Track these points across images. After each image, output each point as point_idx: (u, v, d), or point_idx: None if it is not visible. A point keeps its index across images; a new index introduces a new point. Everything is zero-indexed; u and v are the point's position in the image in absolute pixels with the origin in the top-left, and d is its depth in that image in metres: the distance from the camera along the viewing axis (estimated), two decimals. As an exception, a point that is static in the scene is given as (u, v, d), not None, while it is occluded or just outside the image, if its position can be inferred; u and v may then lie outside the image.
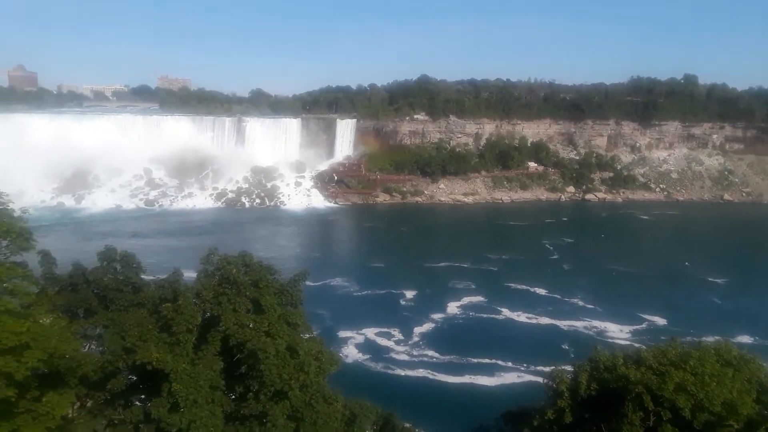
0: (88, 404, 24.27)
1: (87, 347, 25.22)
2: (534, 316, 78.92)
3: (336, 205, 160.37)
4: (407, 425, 33.81)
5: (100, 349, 24.73)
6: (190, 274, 27.51)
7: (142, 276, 27.83)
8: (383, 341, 69.59)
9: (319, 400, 23.60)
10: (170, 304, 23.34)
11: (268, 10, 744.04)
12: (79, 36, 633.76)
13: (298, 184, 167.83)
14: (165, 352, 21.72)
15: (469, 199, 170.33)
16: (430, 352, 66.85)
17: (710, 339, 25.69)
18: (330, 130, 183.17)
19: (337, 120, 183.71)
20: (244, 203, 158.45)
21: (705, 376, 21.64)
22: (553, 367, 26.62)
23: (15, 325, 18.42)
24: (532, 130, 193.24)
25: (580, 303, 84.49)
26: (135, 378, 23.87)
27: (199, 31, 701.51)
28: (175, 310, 22.78)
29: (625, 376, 22.62)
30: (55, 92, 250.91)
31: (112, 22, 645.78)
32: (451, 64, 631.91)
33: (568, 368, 26.30)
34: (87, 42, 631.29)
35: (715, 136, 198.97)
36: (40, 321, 21.19)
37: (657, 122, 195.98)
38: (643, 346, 26.73)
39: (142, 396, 24.28)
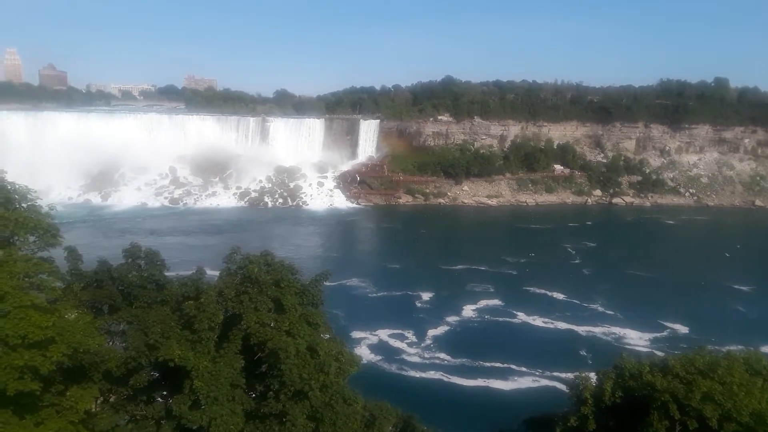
0: (111, 399, 24.50)
1: (111, 343, 25.49)
2: (552, 320, 77.97)
3: (358, 206, 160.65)
4: (427, 429, 33.53)
5: (124, 345, 24.98)
6: (212, 272, 27.66)
7: (166, 273, 28.04)
8: (397, 343, 69.48)
9: (339, 401, 23.51)
10: (193, 302, 23.46)
11: (294, 12, 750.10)
12: (108, 36, 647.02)
13: (320, 184, 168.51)
14: (187, 350, 21.83)
15: (493, 202, 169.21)
16: (445, 355, 66.50)
17: (733, 348, 25.02)
18: (353, 131, 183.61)
19: (361, 120, 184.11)
20: (266, 203, 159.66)
21: (733, 385, 21.10)
22: (576, 373, 26.16)
23: (41, 319, 18.64)
24: (558, 132, 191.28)
25: (600, 309, 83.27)
26: (157, 374, 24.06)
27: (225, 32, 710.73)
28: (197, 307, 22.88)
29: (651, 384, 22.16)
30: (84, 91, 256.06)
31: (141, 23, 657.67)
32: (476, 66, 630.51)
33: (591, 374, 25.84)
34: (116, 42, 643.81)
35: (746, 141, 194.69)
36: (66, 316, 21.42)
37: (687, 125, 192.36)
38: (670, 354, 26.12)
39: (164, 392, 24.46)
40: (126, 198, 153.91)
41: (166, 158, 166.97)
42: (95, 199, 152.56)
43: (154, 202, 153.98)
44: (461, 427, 48.48)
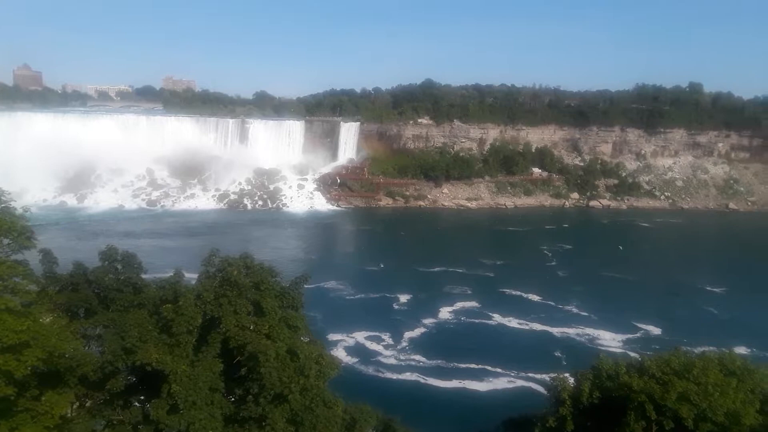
0: (87, 404, 24.16)
1: (87, 347, 25.12)
2: (527, 322, 78.61)
3: (338, 209, 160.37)
4: (408, 430, 33.57)
5: (100, 349, 24.64)
6: (191, 275, 27.41)
7: (143, 276, 27.72)
8: (374, 345, 69.48)
9: (319, 404, 23.45)
10: (171, 305, 23.23)
11: (274, 13, 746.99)
12: (84, 36, 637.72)
13: (300, 186, 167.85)
14: (165, 353, 21.62)
15: (473, 204, 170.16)
16: (421, 357, 66.63)
17: (705, 349, 25.49)
18: (333, 133, 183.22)
19: (341, 123, 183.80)
20: (246, 205, 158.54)
21: (708, 385, 21.44)
22: (554, 374, 26.42)
23: (15, 323, 18.35)
24: (536, 136, 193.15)
25: (575, 310, 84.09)
26: (134, 379, 23.78)
27: (204, 33, 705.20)
28: (175, 311, 22.66)
29: (627, 385, 22.44)
30: (59, 92, 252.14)
31: (118, 22, 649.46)
32: (456, 69, 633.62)
33: (566, 375, 26.09)
34: (92, 42, 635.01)
35: (720, 145, 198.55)
36: (41, 320, 21.09)
37: (662, 130, 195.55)
38: (645, 355, 26.49)
39: (142, 397, 24.18)
40: (102, 200, 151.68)
41: (143, 160, 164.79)
42: (71, 201, 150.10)
43: (131, 204, 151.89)
44: (440, 429, 48.58)
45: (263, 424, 22.30)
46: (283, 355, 22.77)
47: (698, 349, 26.05)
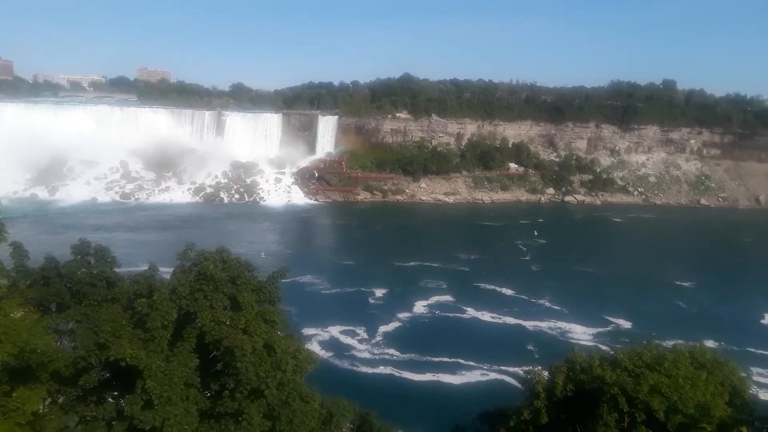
0: (60, 400, 23.79)
1: (59, 342, 24.69)
2: (500, 316, 79.57)
3: (316, 203, 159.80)
4: (384, 424, 33.70)
5: (73, 344, 24.24)
6: (166, 270, 27.07)
7: (117, 270, 27.30)
8: (348, 339, 69.74)
9: (296, 399, 23.40)
10: (145, 300, 22.93)
11: (251, 4, 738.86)
12: (56, 25, 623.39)
13: (278, 180, 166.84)
14: (139, 349, 21.35)
15: (450, 199, 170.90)
16: (396, 351, 67.03)
17: (673, 342, 25.99)
18: (311, 127, 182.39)
19: (319, 116, 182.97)
20: (222, 198, 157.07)
21: (679, 378, 21.83)
22: (529, 368, 26.71)
23: (-16, 318, 17.96)
24: (513, 132, 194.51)
25: (547, 304, 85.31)
26: (108, 374, 23.44)
27: (179, 23, 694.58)
28: (150, 305, 22.38)
29: (600, 378, 22.74)
30: (30, 81, 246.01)
31: (91, 11, 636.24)
32: (434, 64, 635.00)
33: (539, 368, 26.40)
34: (65, 31, 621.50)
35: (692, 141, 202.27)
36: (11, 314, 20.68)
37: (636, 126, 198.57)
38: (616, 348, 26.94)
39: (115, 392, 23.86)
40: (75, 192, 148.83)
41: (117, 152, 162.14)
42: (42, 193, 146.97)
43: (105, 197, 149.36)
44: (415, 422, 48.83)
45: (239, 419, 22.20)
46: (260, 350, 22.63)
47: (667, 343, 26.53)
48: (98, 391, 23.16)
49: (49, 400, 23.42)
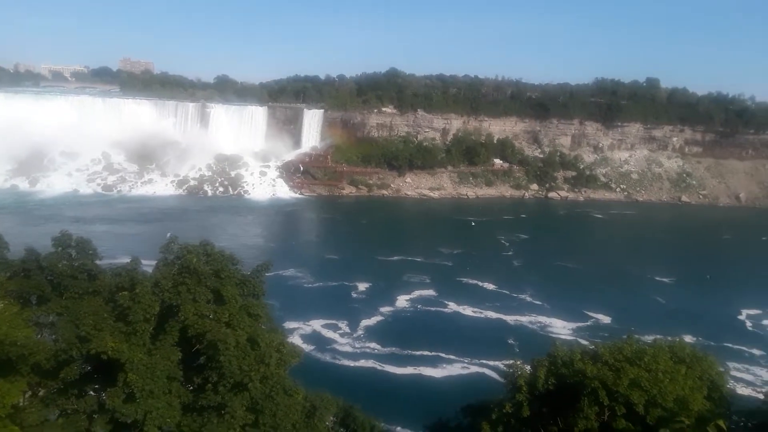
0: (40, 393, 23.59)
1: (40, 335, 24.43)
2: (481, 310, 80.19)
3: (301, 196, 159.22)
4: (367, 418, 33.85)
5: (53, 337, 24.01)
6: (148, 263, 26.88)
7: (98, 263, 27.04)
8: (330, 333, 69.94)
9: (280, 392, 23.42)
10: (127, 293, 22.78)
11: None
12: (38, 14, 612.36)
13: (263, 173, 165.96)
14: (121, 342, 21.23)
15: (435, 194, 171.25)
16: (378, 344, 67.37)
17: (653, 337, 26.40)
18: (297, 120, 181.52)
19: (305, 110, 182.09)
20: (206, 191, 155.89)
21: (659, 372, 22.14)
22: (511, 361, 26.95)
23: (-37, 310, 17.74)
24: (498, 127, 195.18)
25: (528, 299, 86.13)
26: (89, 367, 23.28)
27: (163, 14, 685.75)
28: (132, 298, 22.24)
29: (581, 371, 23.00)
30: (11, 71, 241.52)
31: (74, 0, 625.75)
32: (421, 59, 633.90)
33: (520, 362, 26.65)
34: (46, 20, 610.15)
35: (675, 139, 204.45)
36: (-10, 307, 20.46)
37: (619, 123, 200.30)
38: (597, 342, 27.26)
39: (97, 386, 23.71)
40: (56, 184, 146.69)
41: (99, 143, 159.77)
42: (22, 184, 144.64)
43: (86, 189, 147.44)
44: (397, 415, 49.11)
45: (222, 412, 22.17)
46: (244, 344, 22.62)
47: (646, 337, 26.94)
48: (79, 384, 23.00)
49: (30, 393, 23.21)
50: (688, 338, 68.64)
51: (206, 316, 23.18)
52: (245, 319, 23.94)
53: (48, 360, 21.50)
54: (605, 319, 78.87)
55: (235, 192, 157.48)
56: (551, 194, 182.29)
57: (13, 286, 24.71)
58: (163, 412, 20.71)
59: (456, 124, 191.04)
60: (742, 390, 55.44)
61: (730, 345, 71.34)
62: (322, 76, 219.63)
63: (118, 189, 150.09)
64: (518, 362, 26.24)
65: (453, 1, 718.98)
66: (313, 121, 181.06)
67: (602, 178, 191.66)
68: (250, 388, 22.17)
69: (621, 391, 21.67)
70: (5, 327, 19.20)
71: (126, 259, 26.58)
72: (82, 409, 22.36)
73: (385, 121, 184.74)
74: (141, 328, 21.99)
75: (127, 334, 21.94)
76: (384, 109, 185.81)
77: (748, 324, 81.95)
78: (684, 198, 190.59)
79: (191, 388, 23.54)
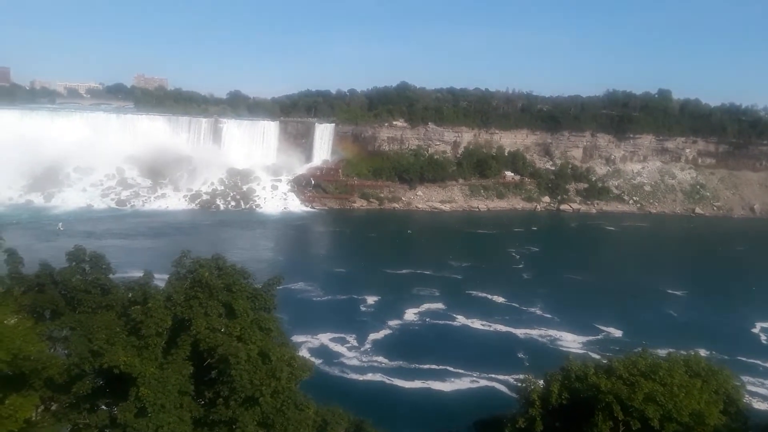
0: (53, 407, 23.62)
1: (53, 349, 24.55)
2: (490, 323, 79.51)
3: (313, 210, 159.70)
4: (379, 432, 33.60)
5: (66, 351, 24.12)
6: (161, 277, 27.01)
7: (112, 277, 27.21)
8: (338, 347, 69.58)
9: (291, 407, 23.31)
10: (140, 307, 22.87)
11: (249, 12, 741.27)
12: (54, 31, 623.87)
13: (274, 187, 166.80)
14: (133, 356, 21.26)
15: (446, 207, 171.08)
16: (386, 358, 66.92)
17: (664, 351, 26.10)
18: (308, 134, 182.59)
19: (316, 124, 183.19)
20: (218, 205, 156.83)
21: (674, 386, 21.90)
22: (522, 375, 26.72)
23: (-22, 325, 17.88)
24: (509, 140, 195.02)
25: (538, 312, 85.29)
26: (101, 382, 23.30)
27: (177, 31, 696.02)
28: (144, 312, 22.32)
29: (595, 386, 22.79)
30: (27, 88, 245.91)
31: (89, 18, 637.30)
32: (431, 72, 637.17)
33: (529, 376, 26.39)
34: (62, 38, 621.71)
35: (687, 151, 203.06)
36: (5, 321, 20.59)
37: (631, 135, 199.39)
38: (612, 356, 26.96)
39: (109, 400, 23.72)
40: (70, 199, 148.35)
41: (113, 159, 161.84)
42: (38, 200, 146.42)
43: (100, 204, 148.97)
44: (407, 430, 48.55)
45: (233, 427, 22.08)
46: (255, 358, 22.56)
47: (658, 351, 26.63)
48: (91, 399, 23.02)
49: (42, 407, 23.26)
50: (701, 352, 67.59)
51: (218, 330, 23.19)
52: (256, 333, 23.93)
53: (60, 374, 21.56)
54: (616, 333, 77.91)
55: (247, 206, 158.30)
56: (563, 206, 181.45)
57: (27, 300, 24.89)
58: (174, 426, 20.67)
59: (467, 136, 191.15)
60: (759, 404, 54.48)
61: (744, 359, 70.08)
62: (333, 91, 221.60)
63: (132, 204, 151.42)
64: (531, 376, 26.01)
65: (463, 14, 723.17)
66: (324, 135, 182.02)
67: (615, 190, 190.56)
68: (261, 403, 22.09)
69: (636, 406, 21.45)
70: (19, 341, 19.31)
71: (139, 274, 26.73)
72: (94, 423, 22.35)
73: (395, 135, 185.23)
74: (153, 342, 22.03)
75: (139, 348, 21.98)
76: (395, 122, 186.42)
77: (763, 338, 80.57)
78: (698, 210, 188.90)
79: (202, 402, 23.50)
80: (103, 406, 23.58)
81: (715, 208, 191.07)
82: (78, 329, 23.81)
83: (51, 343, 24.55)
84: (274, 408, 22.64)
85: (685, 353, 25.68)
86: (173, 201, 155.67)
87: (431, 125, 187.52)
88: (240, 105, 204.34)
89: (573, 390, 24.14)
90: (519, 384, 26.41)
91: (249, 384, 21.67)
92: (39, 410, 23.00)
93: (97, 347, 21.44)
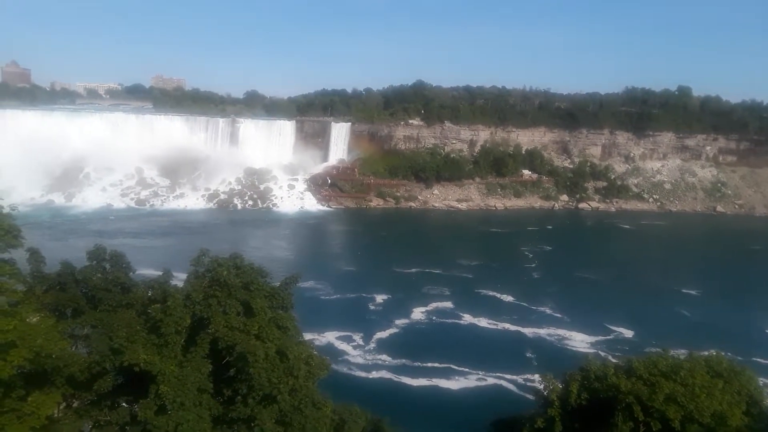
0: (74, 404, 23.97)
1: (74, 347, 24.91)
2: (499, 322, 78.80)
3: (329, 209, 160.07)
4: (396, 430, 33.58)
5: (87, 349, 24.44)
6: (180, 275, 27.25)
7: (132, 276, 27.53)
8: (346, 345, 69.42)
9: (308, 405, 23.42)
10: (159, 305, 23.10)
11: (265, 12, 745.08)
12: (73, 33, 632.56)
13: (291, 186, 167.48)
14: (153, 354, 21.49)
15: (463, 206, 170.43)
16: (393, 356, 66.61)
17: (681, 352, 25.70)
18: (324, 133, 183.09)
19: (332, 123, 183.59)
20: (236, 205, 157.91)
21: (695, 387, 21.61)
22: (542, 375, 26.50)
23: (2, 323, 18.16)
24: (526, 138, 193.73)
25: (548, 311, 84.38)
26: (122, 379, 23.58)
27: (194, 31, 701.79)
28: (164, 311, 22.54)
29: (615, 386, 22.57)
30: (48, 89, 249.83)
31: (108, 20, 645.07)
32: (447, 70, 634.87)
33: (542, 375, 26.13)
34: (82, 39, 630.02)
35: (708, 148, 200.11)
36: (27, 319, 20.88)
37: (651, 133, 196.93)
38: (633, 357, 26.64)
39: (129, 397, 24.01)
40: (90, 199, 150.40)
41: (132, 159, 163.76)
42: (59, 199, 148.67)
43: (120, 203, 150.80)
44: (421, 429, 48.15)
45: (252, 424, 22.25)
46: (273, 356, 22.69)
47: (675, 351, 26.23)
48: (112, 396, 23.32)
49: (64, 404, 23.60)
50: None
51: (236, 329, 23.35)
52: (274, 331, 24.06)
53: (82, 372, 21.87)
54: (627, 333, 76.63)
55: (264, 205, 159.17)
56: (582, 205, 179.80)
57: (49, 299, 25.28)
58: (193, 424, 20.85)
59: (483, 135, 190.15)
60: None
61: (761, 360, 68.57)
62: (350, 90, 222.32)
63: (151, 203, 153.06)
64: (550, 376, 25.81)
65: (479, 12, 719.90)
66: (340, 134, 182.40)
67: (634, 189, 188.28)
68: (279, 401, 22.22)
69: (656, 407, 21.20)
70: (41, 339, 19.59)
71: (158, 272, 27.01)
72: (114, 420, 22.65)
73: (412, 134, 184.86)
74: (173, 340, 22.25)
75: (159, 346, 22.21)
76: (411, 121, 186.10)
77: (780, 338, 78.85)
78: (719, 208, 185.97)
79: (221, 400, 23.69)
80: (124, 404, 23.90)
81: (736, 207, 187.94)
82: (99, 327, 24.18)
83: (72, 341, 24.94)
84: (292, 406, 22.77)
85: (706, 353, 25.31)
86: (191, 200, 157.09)
87: (447, 123, 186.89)
88: (257, 105, 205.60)
89: (592, 390, 23.93)
90: (537, 384, 26.22)
91: (267, 382, 21.80)
92: (61, 407, 23.34)
93: (117, 345, 21.71)
